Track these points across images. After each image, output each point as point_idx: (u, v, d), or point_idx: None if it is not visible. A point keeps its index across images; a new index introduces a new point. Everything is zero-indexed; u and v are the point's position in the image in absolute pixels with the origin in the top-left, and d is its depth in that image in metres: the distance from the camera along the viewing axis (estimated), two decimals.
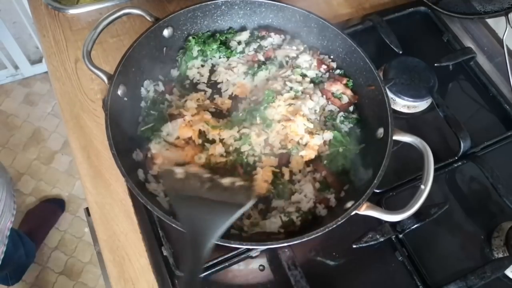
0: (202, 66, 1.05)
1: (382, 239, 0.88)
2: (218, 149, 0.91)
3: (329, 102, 1.01)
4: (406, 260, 0.89)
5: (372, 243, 0.88)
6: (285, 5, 1.03)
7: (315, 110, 0.99)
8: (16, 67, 2.49)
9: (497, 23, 1.26)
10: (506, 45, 1.11)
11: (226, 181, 0.81)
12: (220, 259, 0.85)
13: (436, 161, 0.84)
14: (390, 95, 1.08)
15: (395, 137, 0.86)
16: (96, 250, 1.19)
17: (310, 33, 1.06)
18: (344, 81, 1.03)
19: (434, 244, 0.93)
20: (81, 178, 0.97)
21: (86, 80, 1.08)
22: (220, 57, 1.06)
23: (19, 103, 2.51)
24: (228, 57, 1.06)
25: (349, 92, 0.99)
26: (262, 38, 1.07)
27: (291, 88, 0.99)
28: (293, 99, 0.97)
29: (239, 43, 1.07)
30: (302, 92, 0.99)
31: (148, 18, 0.95)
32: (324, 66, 1.04)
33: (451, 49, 1.22)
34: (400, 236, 0.91)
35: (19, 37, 2.34)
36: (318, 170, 0.92)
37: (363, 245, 0.88)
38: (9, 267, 1.76)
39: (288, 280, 0.82)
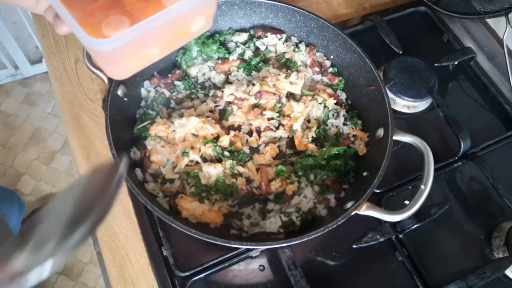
0: (202, 65, 1.06)
1: (382, 239, 0.88)
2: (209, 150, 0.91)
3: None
4: (406, 260, 0.89)
5: (372, 243, 0.88)
6: (285, 5, 1.03)
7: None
8: (16, 67, 2.49)
9: (497, 23, 1.26)
10: (506, 45, 1.11)
11: None
12: (220, 259, 0.85)
13: (436, 161, 0.84)
14: (390, 95, 1.08)
15: (395, 137, 0.86)
16: (96, 250, 1.20)
17: (310, 33, 1.06)
18: (336, 81, 1.03)
19: (434, 244, 0.93)
20: None
21: (86, 80, 1.08)
22: (219, 58, 1.06)
23: (19, 103, 2.51)
24: (226, 58, 1.06)
25: (360, 133, 0.98)
26: (259, 38, 1.08)
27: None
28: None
29: (237, 44, 1.07)
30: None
31: None
32: (316, 69, 1.04)
33: (451, 49, 1.22)
34: (400, 236, 0.91)
35: (19, 37, 2.34)
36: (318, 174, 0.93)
37: (363, 245, 0.88)
38: None
39: (288, 280, 0.82)
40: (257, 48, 1.08)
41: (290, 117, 0.97)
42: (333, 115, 1.00)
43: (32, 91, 2.56)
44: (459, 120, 1.02)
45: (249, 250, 0.87)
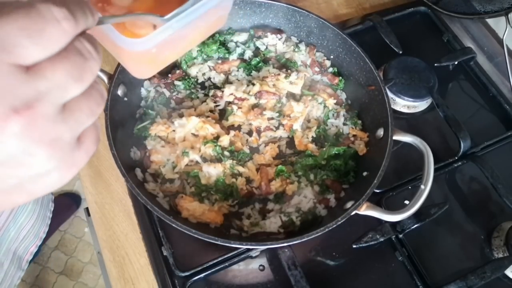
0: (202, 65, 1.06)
1: (382, 239, 0.88)
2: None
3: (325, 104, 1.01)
4: (406, 260, 0.89)
5: (372, 243, 0.88)
6: (285, 5, 1.03)
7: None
8: None
9: (497, 23, 1.26)
10: (506, 45, 1.11)
11: None
12: (220, 259, 0.85)
13: (436, 161, 0.84)
14: (390, 95, 1.08)
15: (395, 137, 0.86)
16: (96, 250, 1.19)
17: (310, 33, 1.06)
18: (336, 81, 1.03)
19: (434, 244, 0.93)
20: (81, 178, 0.97)
21: None
22: (219, 58, 1.06)
23: None
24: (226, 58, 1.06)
25: (360, 133, 0.98)
26: (259, 38, 1.08)
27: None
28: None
29: (237, 44, 1.07)
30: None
31: None
32: (316, 69, 1.04)
33: (451, 49, 1.22)
34: (400, 236, 0.91)
35: None
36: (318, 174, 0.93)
37: (363, 245, 0.88)
38: None
39: (288, 280, 0.82)
40: (257, 48, 1.08)
41: (290, 117, 0.97)
42: (333, 115, 1.00)
43: None
44: (459, 120, 1.02)
45: (249, 250, 0.87)
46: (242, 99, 0.98)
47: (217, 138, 0.93)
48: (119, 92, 0.89)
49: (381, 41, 1.16)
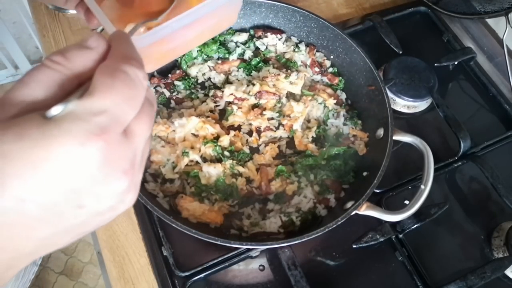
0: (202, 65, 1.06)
1: (382, 239, 0.88)
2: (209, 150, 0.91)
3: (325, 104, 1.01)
4: (406, 260, 0.89)
5: (372, 243, 0.88)
6: (285, 5, 1.03)
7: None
8: (16, 67, 2.49)
9: (497, 23, 1.26)
10: (506, 45, 1.11)
11: None
12: (220, 259, 0.85)
13: (436, 161, 0.84)
14: (390, 95, 1.08)
15: (395, 137, 0.86)
16: (96, 250, 1.19)
17: (310, 33, 1.06)
18: (336, 81, 1.03)
19: (434, 244, 0.93)
20: None
21: None
22: (219, 58, 1.06)
23: None
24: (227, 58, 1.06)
25: (360, 133, 0.98)
26: (259, 38, 1.08)
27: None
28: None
29: (237, 44, 1.07)
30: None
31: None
32: (316, 69, 1.04)
33: (451, 49, 1.22)
34: (400, 236, 0.91)
35: (19, 37, 2.33)
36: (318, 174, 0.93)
37: (363, 245, 0.88)
38: None
39: (288, 280, 0.82)
40: (257, 48, 1.08)
41: (290, 117, 0.97)
42: (333, 115, 1.00)
43: None
44: (459, 120, 1.02)
45: (249, 250, 0.87)
46: (242, 99, 0.98)
47: (217, 138, 0.93)
48: None
49: (381, 41, 1.16)
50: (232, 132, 0.95)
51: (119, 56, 0.34)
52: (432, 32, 1.25)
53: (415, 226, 0.91)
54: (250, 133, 0.98)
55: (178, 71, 1.03)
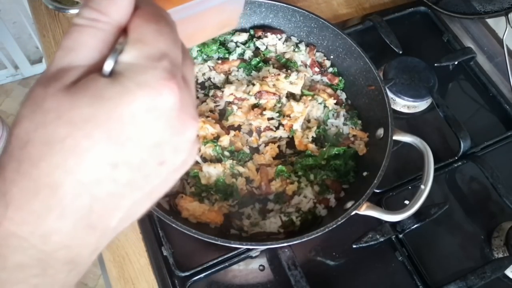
0: (202, 65, 1.06)
1: (382, 239, 0.88)
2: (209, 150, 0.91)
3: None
4: (406, 260, 0.89)
5: (372, 243, 0.88)
6: (285, 5, 1.03)
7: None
8: (16, 67, 2.49)
9: (497, 23, 1.26)
10: (506, 45, 1.11)
11: None
12: (220, 259, 0.85)
13: (436, 161, 0.84)
14: (390, 95, 1.08)
15: (395, 137, 0.86)
16: None
17: (310, 33, 1.06)
18: (336, 81, 1.03)
19: (434, 244, 0.93)
20: None
21: None
22: (218, 58, 1.06)
23: (19, 103, 2.51)
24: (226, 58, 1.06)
25: (360, 133, 0.98)
26: (259, 38, 1.08)
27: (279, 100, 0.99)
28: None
29: (237, 44, 1.07)
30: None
31: None
32: (316, 69, 1.04)
33: (451, 49, 1.22)
34: (400, 236, 0.91)
35: (19, 37, 2.33)
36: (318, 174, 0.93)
37: (363, 245, 0.88)
38: None
39: (288, 280, 0.82)
40: (257, 48, 1.08)
41: (290, 117, 0.97)
42: (333, 115, 1.00)
43: None
44: (459, 120, 1.02)
45: (249, 250, 0.87)
46: (242, 99, 0.98)
47: (217, 138, 0.93)
48: None
49: (381, 41, 1.16)
50: (232, 132, 0.95)
51: (150, 3, 0.32)
52: (432, 32, 1.25)
53: (415, 226, 0.91)
54: (250, 133, 0.98)
55: None
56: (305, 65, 1.06)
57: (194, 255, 0.86)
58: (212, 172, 0.88)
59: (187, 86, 0.32)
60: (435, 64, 1.14)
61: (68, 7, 1.18)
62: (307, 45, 1.08)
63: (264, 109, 0.98)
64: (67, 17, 1.18)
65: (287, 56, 1.06)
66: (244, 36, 1.07)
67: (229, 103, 0.99)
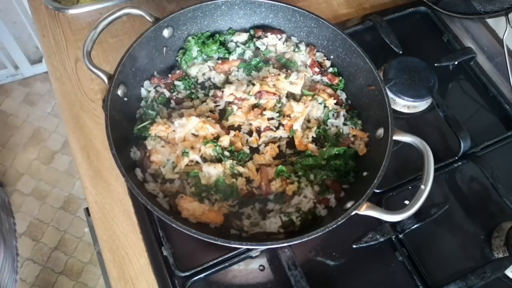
0: (202, 65, 1.05)
1: (382, 239, 0.88)
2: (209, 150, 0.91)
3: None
4: (406, 260, 0.89)
5: (372, 243, 0.88)
6: (285, 5, 1.03)
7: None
8: (16, 67, 2.49)
9: (497, 23, 1.26)
10: (506, 45, 1.11)
11: None
12: (220, 259, 0.85)
13: (436, 161, 0.84)
14: (390, 95, 1.08)
15: (395, 137, 0.86)
16: (96, 250, 1.19)
17: (310, 33, 1.06)
18: (336, 81, 1.03)
19: (434, 244, 0.93)
20: (81, 178, 0.97)
21: (86, 80, 1.08)
22: (219, 58, 1.06)
23: (19, 103, 2.51)
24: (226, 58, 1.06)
25: (360, 133, 0.98)
26: (259, 38, 1.08)
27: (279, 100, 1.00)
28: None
29: (237, 44, 1.07)
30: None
31: (148, 18, 0.95)
32: (316, 69, 1.04)
33: (451, 49, 1.22)
34: (400, 236, 0.91)
35: (19, 37, 2.34)
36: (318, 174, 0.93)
37: (363, 245, 0.88)
38: None
39: (288, 280, 0.82)
40: (257, 48, 1.08)
41: (290, 117, 0.97)
42: (333, 115, 1.00)
43: (32, 91, 2.56)
44: (459, 120, 1.02)
45: (249, 250, 0.87)
46: (242, 99, 0.98)
47: (217, 138, 0.93)
48: (119, 92, 0.89)
49: (381, 41, 1.16)
50: (232, 132, 0.95)
51: None
52: (432, 32, 1.25)
53: (415, 226, 0.91)
54: (250, 133, 0.98)
55: (178, 71, 1.03)
56: (305, 65, 1.06)
57: (194, 255, 0.86)
58: (212, 172, 0.88)
59: None
60: (435, 64, 1.14)
61: (68, 7, 1.18)
62: (307, 45, 1.08)
63: (264, 109, 0.98)
64: (67, 17, 1.18)
65: (287, 56, 1.06)
66: (244, 36, 1.07)
67: (229, 103, 0.99)
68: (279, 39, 1.07)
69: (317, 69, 1.05)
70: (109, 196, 0.94)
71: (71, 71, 1.10)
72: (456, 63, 1.17)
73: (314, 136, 0.96)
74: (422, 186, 0.78)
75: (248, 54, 1.07)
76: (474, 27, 1.28)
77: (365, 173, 0.89)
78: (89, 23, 1.17)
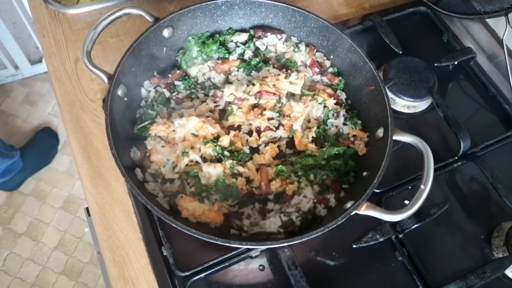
0: (202, 65, 1.05)
1: (382, 239, 0.88)
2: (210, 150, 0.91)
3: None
4: (406, 260, 0.89)
5: (372, 243, 0.88)
6: (285, 5, 1.03)
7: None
8: (16, 67, 2.49)
9: (497, 23, 1.26)
10: (506, 45, 1.11)
11: None
12: (220, 259, 0.85)
13: (436, 161, 0.84)
14: (390, 95, 1.08)
15: (395, 137, 0.86)
16: (96, 250, 1.19)
17: (310, 33, 1.06)
18: (336, 81, 1.03)
19: (434, 244, 0.93)
20: (81, 178, 0.97)
21: (86, 80, 1.08)
22: (219, 58, 1.06)
23: (19, 103, 2.51)
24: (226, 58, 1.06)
25: (360, 133, 0.98)
26: (259, 38, 1.08)
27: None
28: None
29: (237, 44, 1.07)
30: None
31: (148, 18, 0.95)
32: (316, 69, 1.04)
33: (451, 49, 1.22)
34: (400, 236, 0.91)
35: (19, 37, 2.34)
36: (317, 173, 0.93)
37: (363, 245, 0.88)
38: None
39: (288, 280, 0.82)
40: (257, 48, 1.08)
41: (290, 117, 0.97)
42: (333, 115, 1.00)
43: (32, 91, 2.56)
44: (459, 120, 1.02)
45: (249, 250, 0.87)
46: (242, 99, 0.98)
47: (217, 138, 0.93)
48: (119, 92, 0.89)
49: (381, 41, 1.16)
50: (232, 132, 0.95)
51: None
52: (432, 32, 1.25)
53: (415, 226, 0.91)
54: (250, 133, 0.98)
55: (178, 71, 1.03)
56: (305, 65, 1.06)
57: (194, 255, 0.86)
58: (212, 172, 0.88)
59: None
60: (435, 64, 1.14)
61: (68, 7, 1.18)
62: (307, 45, 1.08)
63: (264, 109, 0.98)
64: (67, 17, 1.18)
65: (287, 56, 1.06)
66: (244, 36, 1.07)
67: (229, 103, 0.99)
68: (279, 39, 1.07)
69: (317, 69, 1.05)
70: (109, 196, 0.94)
71: (71, 71, 1.10)
72: (456, 63, 1.17)
73: (314, 136, 0.96)
74: (422, 186, 0.78)
75: (248, 54, 1.07)
76: (474, 27, 1.28)
77: (365, 173, 0.89)
78: (89, 23, 1.17)
